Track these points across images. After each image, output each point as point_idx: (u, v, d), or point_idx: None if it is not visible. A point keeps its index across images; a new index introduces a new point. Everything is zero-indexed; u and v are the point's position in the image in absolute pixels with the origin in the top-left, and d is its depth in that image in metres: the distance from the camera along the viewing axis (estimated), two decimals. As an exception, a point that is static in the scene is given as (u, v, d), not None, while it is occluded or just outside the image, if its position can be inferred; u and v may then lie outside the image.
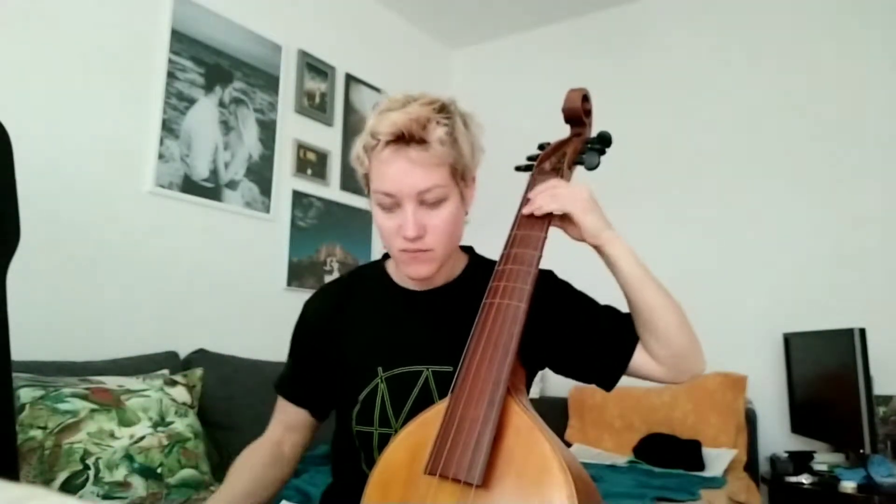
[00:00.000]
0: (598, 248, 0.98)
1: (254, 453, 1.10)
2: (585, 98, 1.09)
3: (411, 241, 0.93)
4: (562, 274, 1.13)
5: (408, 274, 0.99)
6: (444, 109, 0.94)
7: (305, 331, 1.11)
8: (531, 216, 0.96)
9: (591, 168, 1.04)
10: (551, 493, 0.75)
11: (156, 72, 2.32)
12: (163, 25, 2.35)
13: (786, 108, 2.87)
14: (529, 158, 1.11)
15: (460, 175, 0.96)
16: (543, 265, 1.05)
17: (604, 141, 1.06)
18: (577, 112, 1.07)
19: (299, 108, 2.88)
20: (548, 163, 1.05)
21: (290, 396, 1.11)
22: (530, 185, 1.02)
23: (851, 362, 2.24)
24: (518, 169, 1.12)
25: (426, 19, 3.57)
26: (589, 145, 1.06)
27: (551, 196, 0.95)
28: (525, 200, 0.99)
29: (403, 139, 0.90)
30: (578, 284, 1.12)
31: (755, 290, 2.83)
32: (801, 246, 2.77)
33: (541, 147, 1.12)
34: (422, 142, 0.90)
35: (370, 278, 1.12)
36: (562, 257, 1.21)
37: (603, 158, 1.06)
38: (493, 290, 0.91)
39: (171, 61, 2.35)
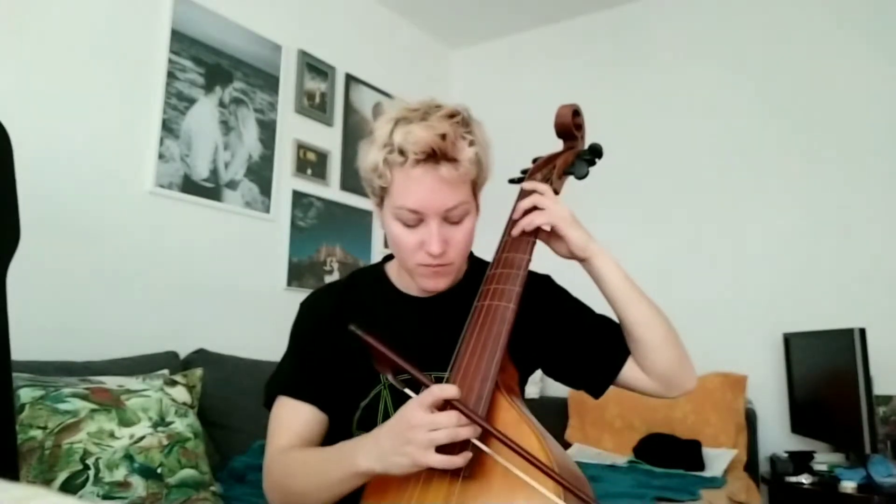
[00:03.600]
0: (585, 263, 1.00)
1: (293, 449, 0.99)
2: (576, 113, 1.12)
3: (435, 256, 0.93)
4: (559, 281, 1.14)
5: (425, 287, 0.99)
6: (464, 123, 0.94)
7: (309, 330, 1.07)
8: (518, 221, 0.99)
9: (581, 177, 1.08)
10: (537, 484, 0.76)
11: (156, 72, 2.32)
12: (163, 25, 2.35)
13: (784, 108, 2.87)
14: (523, 171, 1.14)
15: (479, 188, 0.98)
16: (544, 271, 1.06)
17: (594, 152, 1.09)
18: (568, 127, 1.11)
19: (299, 108, 2.88)
20: (539, 174, 1.09)
21: (309, 396, 1.01)
22: (521, 196, 1.04)
23: (851, 362, 2.24)
24: (512, 181, 1.15)
25: (426, 19, 3.57)
26: (580, 157, 1.09)
27: (538, 211, 0.98)
28: (515, 209, 1.02)
29: (434, 157, 0.90)
30: (575, 293, 1.14)
31: (755, 290, 2.83)
32: (802, 246, 2.77)
33: (535, 161, 1.15)
34: (453, 160, 0.90)
35: (370, 283, 1.10)
36: (560, 269, 1.22)
37: (603, 159, 1.09)
38: (483, 293, 0.95)
39: (171, 61, 2.35)
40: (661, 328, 0.99)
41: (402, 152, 0.90)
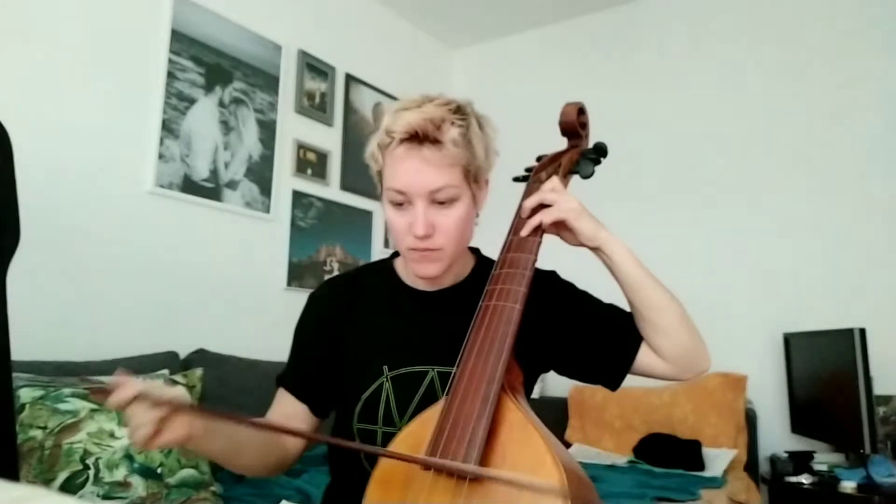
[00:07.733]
0: (596, 250, 1.00)
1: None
2: (581, 111, 1.12)
3: (420, 239, 0.94)
4: (563, 274, 1.14)
5: (416, 272, 1.00)
6: (459, 110, 0.96)
7: (311, 323, 1.09)
8: (527, 221, 0.98)
9: (586, 177, 1.07)
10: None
11: (156, 72, 2.32)
12: (163, 25, 2.35)
13: (784, 107, 2.87)
14: (527, 170, 1.13)
15: (473, 177, 0.97)
16: (547, 265, 1.05)
17: (599, 151, 1.08)
18: (573, 125, 1.10)
19: (299, 108, 2.88)
20: (544, 173, 1.08)
21: (293, 390, 1.06)
22: (526, 195, 1.04)
23: (851, 362, 2.24)
24: (516, 180, 1.14)
25: (426, 19, 3.57)
26: (585, 156, 1.08)
27: (546, 209, 0.97)
28: (521, 207, 1.02)
29: (417, 138, 0.91)
30: (580, 285, 1.13)
31: (755, 290, 2.83)
32: (802, 246, 2.77)
33: (539, 158, 1.14)
34: (435, 142, 0.91)
35: (378, 276, 1.11)
36: (565, 258, 1.21)
37: (602, 159, 1.08)
38: (489, 292, 0.94)
39: (171, 61, 2.35)
40: (675, 311, 0.99)
41: (390, 134, 0.93)
